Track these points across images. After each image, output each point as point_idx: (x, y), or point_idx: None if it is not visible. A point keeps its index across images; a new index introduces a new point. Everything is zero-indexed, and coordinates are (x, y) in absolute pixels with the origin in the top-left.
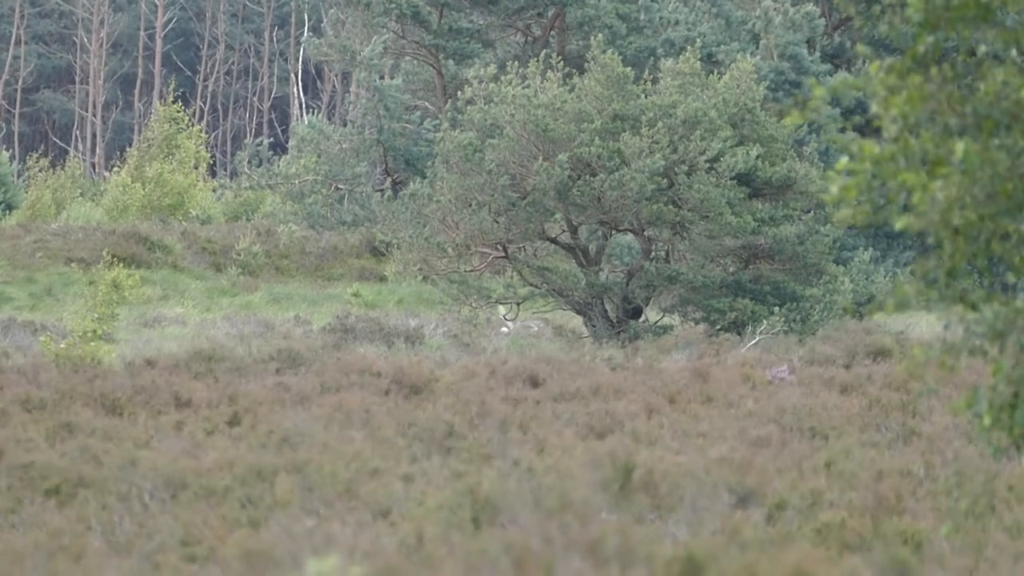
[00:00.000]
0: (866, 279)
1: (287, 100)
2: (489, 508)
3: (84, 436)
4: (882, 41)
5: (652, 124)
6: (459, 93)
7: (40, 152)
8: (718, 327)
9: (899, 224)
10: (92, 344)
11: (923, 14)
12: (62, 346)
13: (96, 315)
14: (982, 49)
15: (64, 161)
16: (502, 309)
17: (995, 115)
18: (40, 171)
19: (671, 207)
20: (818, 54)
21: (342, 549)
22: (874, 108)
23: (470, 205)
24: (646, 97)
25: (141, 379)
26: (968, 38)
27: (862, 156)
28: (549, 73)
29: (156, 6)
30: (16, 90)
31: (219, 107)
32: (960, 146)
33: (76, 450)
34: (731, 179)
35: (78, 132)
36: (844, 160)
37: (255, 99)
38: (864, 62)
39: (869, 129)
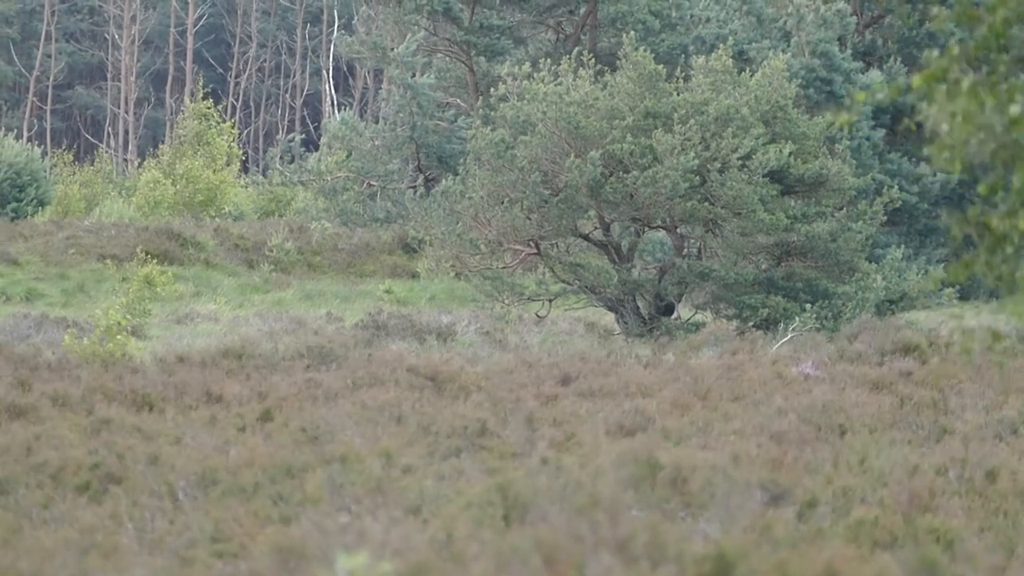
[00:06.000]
0: (899, 276)
1: (319, 97)
2: (519, 506)
3: (115, 432)
4: (914, 40)
5: (684, 121)
6: (491, 90)
7: (64, 147)
8: (750, 324)
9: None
10: (119, 338)
11: (957, 13)
12: (86, 342)
13: (124, 310)
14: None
15: (93, 157)
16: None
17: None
18: (65, 165)
19: (704, 204)
20: (849, 51)
21: (373, 545)
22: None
23: (502, 202)
24: (678, 94)
25: (172, 375)
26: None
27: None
28: (581, 70)
29: (187, 3)
30: (48, 87)
31: (251, 104)
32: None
33: (106, 446)
34: (763, 176)
35: (110, 129)
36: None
37: (287, 96)
38: (895, 60)
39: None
